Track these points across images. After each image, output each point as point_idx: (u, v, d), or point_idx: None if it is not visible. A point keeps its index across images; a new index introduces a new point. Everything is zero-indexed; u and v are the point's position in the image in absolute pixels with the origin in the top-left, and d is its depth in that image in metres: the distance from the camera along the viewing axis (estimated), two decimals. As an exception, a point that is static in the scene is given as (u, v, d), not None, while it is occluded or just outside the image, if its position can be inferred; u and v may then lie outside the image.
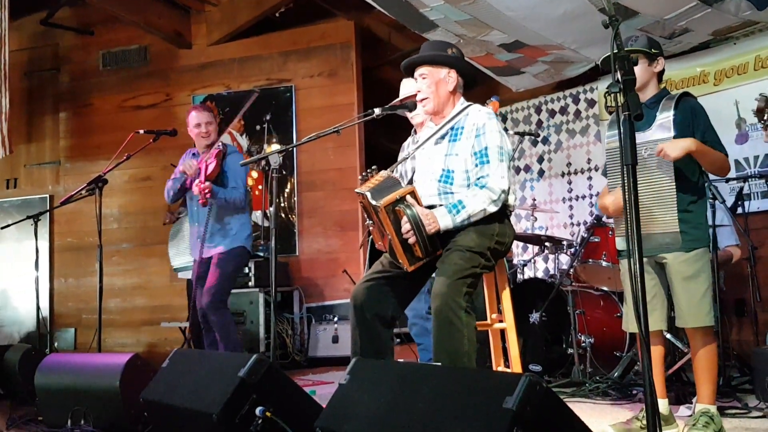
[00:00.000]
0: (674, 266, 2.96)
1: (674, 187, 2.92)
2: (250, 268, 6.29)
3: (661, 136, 2.95)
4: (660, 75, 3.11)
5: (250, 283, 6.26)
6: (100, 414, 3.13)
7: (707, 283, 2.94)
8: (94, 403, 3.15)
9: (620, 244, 3.13)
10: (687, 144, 2.83)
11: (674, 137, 2.91)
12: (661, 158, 2.91)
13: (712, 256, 4.20)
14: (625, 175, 2.03)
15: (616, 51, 2.09)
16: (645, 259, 3.01)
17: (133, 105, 7.63)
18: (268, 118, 7.12)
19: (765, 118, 1.94)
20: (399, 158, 4.03)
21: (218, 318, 4.47)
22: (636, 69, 2.98)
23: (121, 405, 3.08)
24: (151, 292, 7.29)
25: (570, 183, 6.56)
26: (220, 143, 4.55)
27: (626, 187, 2.02)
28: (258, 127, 7.18)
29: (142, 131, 4.72)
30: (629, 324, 3.13)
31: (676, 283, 2.95)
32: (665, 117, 2.97)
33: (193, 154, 4.77)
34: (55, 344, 7.35)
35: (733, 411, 3.41)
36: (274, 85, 7.19)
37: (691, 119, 2.96)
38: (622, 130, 2.10)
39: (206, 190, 4.34)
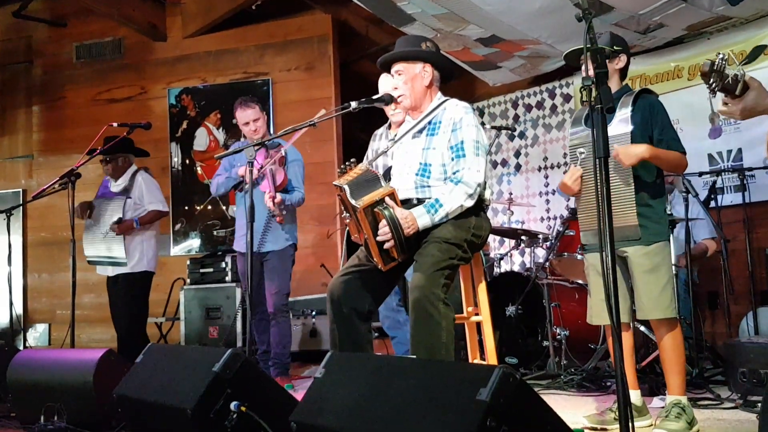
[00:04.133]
0: (635, 259, 3.00)
1: (633, 180, 2.96)
2: (227, 263, 6.24)
3: (621, 131, 2.99)
4: (622, 71, 3.15)
5: (227, 278, 6.21)
6: (73, 410, 3.10)
7: (667, 276, 2.98)
8: (67, 399, 3.12)
9: (584, 238, 3.16)
10: (641, 151, 2.88)
11: (632, 132, 2.96)
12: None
13: (685, 249, 4.29)
14: (597, 168, 2.05)
15: (589, 45, 2.10)
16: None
17: (107, 98, 7.53)
18: (245, 111, 7.05)
19: (710, 81, 1.98)
20: (370, 146, 4.02)
21: (284, 320, 4.60)
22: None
23: (94, 401, 3.06)
24: (126, 288, 7.20)
25: (546, 177, 6.60)
26: (283, 150, 4.47)
27: (598, 180, 2.03)
28: (234, 121, 7.09)
29: (116, 124, 4.65)
30: (593, 317, 3.17)
31: (637, 276, 3.00)
32: (624, 113, 3.02)
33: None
34: (29, 340, 7.26)
35: (706, 402, 3.46)
36: (251, 78, 7.13)
37: (649, 116, 3.01)
38: (594, 123, 2.11)
39: (281, 205, 4.37)
